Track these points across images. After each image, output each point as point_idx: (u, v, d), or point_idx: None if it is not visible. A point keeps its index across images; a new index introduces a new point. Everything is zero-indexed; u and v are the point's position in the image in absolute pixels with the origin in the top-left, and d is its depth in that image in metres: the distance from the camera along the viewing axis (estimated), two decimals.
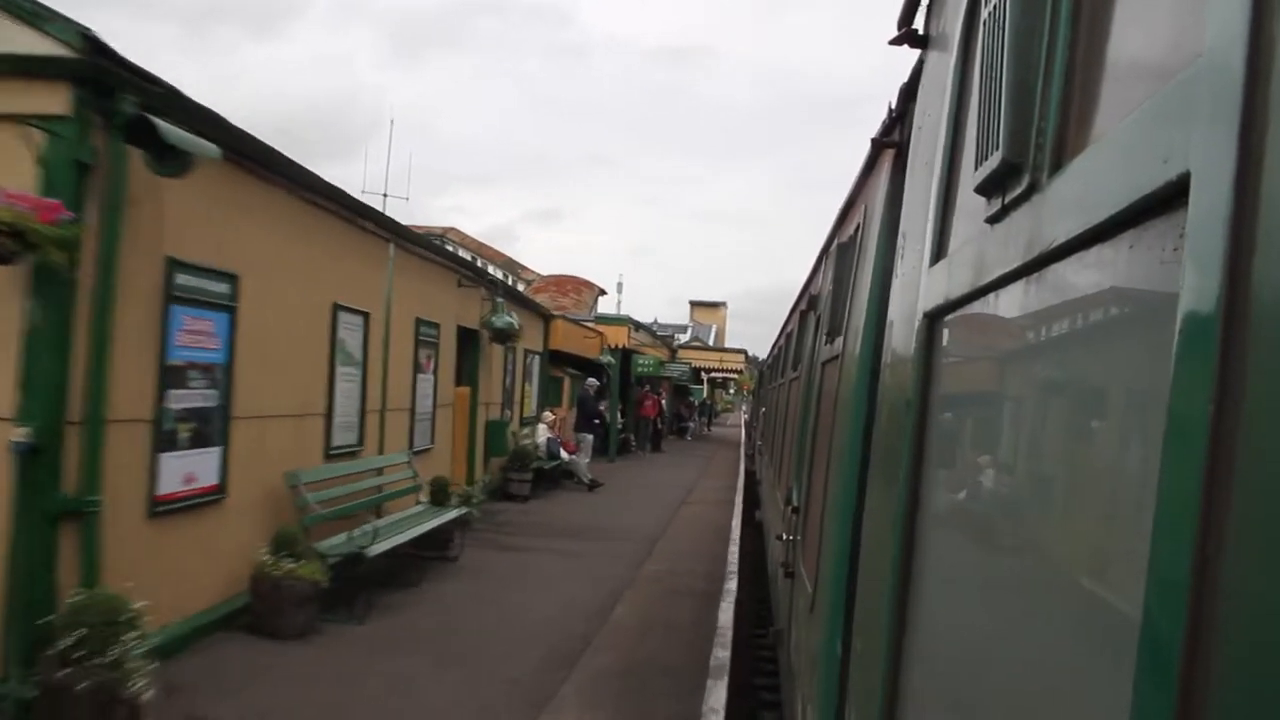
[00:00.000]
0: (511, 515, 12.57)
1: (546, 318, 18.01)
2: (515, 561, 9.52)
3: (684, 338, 43.50)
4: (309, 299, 7.47)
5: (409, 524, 8.22)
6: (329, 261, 7.83)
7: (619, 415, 22.79)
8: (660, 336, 31.95)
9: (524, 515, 12.70)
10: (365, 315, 8.64)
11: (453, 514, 9.03)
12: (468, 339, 12.89)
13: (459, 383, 13.22)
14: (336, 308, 7.97)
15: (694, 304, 68.84)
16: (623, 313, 27.03)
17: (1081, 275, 0.95)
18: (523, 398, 16.13)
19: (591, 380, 18.17)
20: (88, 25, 4.59)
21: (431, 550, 9.15)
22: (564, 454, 16.09)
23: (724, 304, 70.56)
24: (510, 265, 35.79)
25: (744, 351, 39.12)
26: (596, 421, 17.87)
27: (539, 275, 30.89)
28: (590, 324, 21.19)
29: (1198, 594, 0.59)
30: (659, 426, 26.88)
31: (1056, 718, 0.95)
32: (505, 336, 12.92)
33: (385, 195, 24.12)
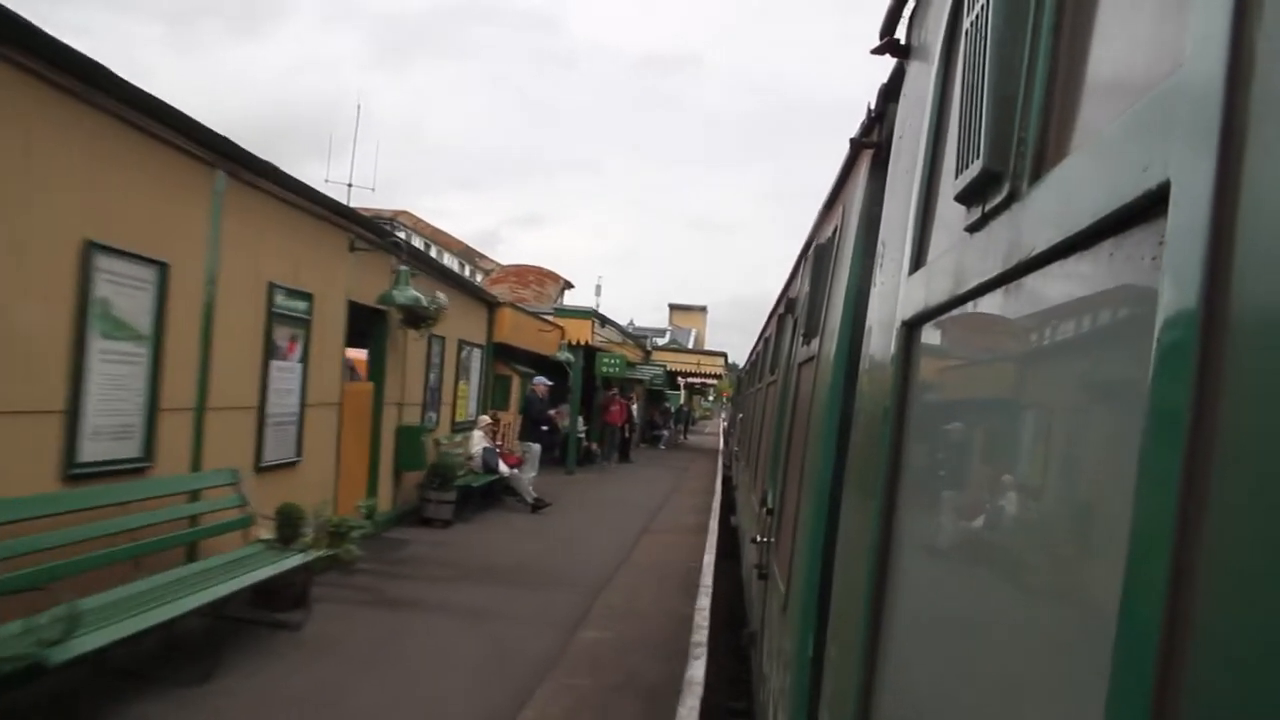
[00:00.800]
0: (419, 549, 9.71)
1: (491, 304, 15.18)
2: (391, 627, 6.68)
3: (662, 342, 40.78)
4: (25, 229, 4.65)
5: (206, 581, 5.37)
6: (74, 177, 5.01)
7: (581, 421, 19.95)
8: (633, 336, 29.11)
9: (436, 549, 9.83)
10: (162, 267, 5.82)
11: (293, 561, 6.18)
12: (370, 320, 10.09)
13: (368, 376, 10.49)
14: (91, 248, 5.15)
15: (673, 307, 66.09)
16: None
17: (1061, 284, 0.94)
18: (455, 399, 13.29)
19: (540, 379, 15.27)
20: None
21: (268, 612, 6.36)
22: (504, 467, 13.26)
23: (704, 308, 67.81)
24: (467, 254, 32.88)
25: (724, 355, 36.29)
26: (545, 428, 15.00)
27: (499, 265, 28.05)
28: (546, 315, 18.32)
29: (1174, 604, 0.58)
30: (628, 435, 24.01)
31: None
32: (417, 318, 10.09)
33: (350, 185, 21.55)
